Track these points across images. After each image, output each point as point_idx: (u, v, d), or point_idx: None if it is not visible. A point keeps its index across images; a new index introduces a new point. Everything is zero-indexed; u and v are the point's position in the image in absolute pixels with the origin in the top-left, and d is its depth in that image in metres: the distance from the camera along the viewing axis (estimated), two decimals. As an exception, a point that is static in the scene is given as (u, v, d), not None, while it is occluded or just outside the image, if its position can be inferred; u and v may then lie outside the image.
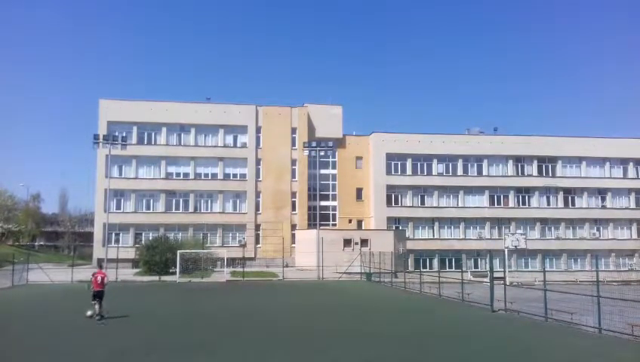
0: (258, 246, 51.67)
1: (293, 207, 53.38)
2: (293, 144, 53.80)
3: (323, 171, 54.52)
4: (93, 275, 17.69)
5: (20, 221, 76.86)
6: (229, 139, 53.84)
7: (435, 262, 41.08)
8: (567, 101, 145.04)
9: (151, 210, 51.46)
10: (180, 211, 51.91)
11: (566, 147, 58.25)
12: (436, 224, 55.86)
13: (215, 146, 53.24)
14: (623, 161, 59.57)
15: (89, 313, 16.96)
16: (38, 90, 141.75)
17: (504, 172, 57.82)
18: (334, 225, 54.71)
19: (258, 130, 53.68)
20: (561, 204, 58.03)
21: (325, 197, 55.06)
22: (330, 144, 46.01)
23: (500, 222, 56.70)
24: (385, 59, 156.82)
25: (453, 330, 15.44)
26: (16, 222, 74.89)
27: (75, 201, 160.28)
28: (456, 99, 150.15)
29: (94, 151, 44.45)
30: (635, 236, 58.32)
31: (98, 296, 16.96)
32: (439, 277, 25.65)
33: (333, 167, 56.13)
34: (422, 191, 56.35)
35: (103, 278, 17.24)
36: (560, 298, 18.36)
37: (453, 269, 39.29)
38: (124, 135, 46.73)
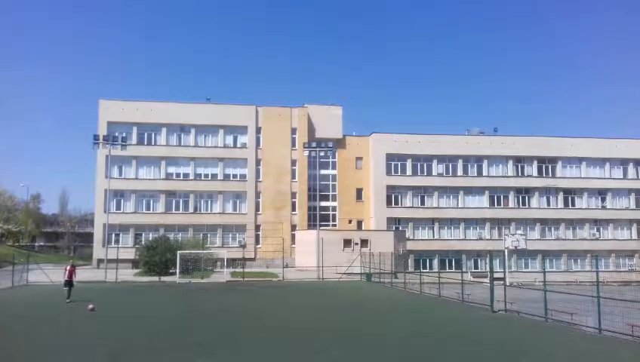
0: (258, 246, 51.67)
1: (293, 208, 53.38)
2: (293, 144, 53.82)
3: (323, 172, 54.51)
4: (65, 269, 22.59)
5: (20, 221, 76.92)
6: (229, 140, 53.86)
7: (435, 262, 41.03)
8: (567, 101, 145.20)
9: (151, 211, 51.46)
10: (180, 212, 51.92)
11: (566, 147, 58.26)
12: (436, 224, 55.86)
13: (215, 147, 53.25)
14: (623, 162, 59.57)
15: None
16: (38, 90, 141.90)
17: (504, 172, 57.82)
18: (334, 225, 54.71)
19: (258, 130, 53.69)
20: (561, 204, 58.03)
21: (325, 198, 55.07)
22: (330, 144, 45.96)
23: (500, 223, 56.71)
24: (385, 59, 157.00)
25: (454, 331, 15.43)
26: (16, 223, 74.94)
27: (75, 202, 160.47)
28: (456, 99, 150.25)
29: (94, 151, 44.34)
30: (635, 236, 58.30)
31: (68, 284, 22.03)
32: (439, 277, 25.62)
33: (333, 168, 56.14)
34: (422, 192, 56.35)
35: (71, 271, 22.28)
36: (560, 298, 18.34)
37: (453, 270, 39.17)
38: (124, 135, 46.84)
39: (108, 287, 31.17)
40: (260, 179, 53.17)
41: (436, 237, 55.48)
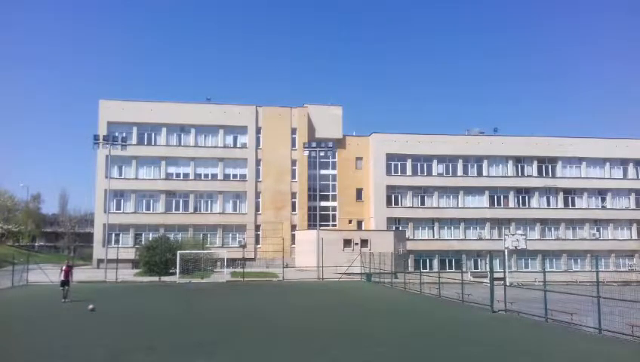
0: (258, 246, 51.65)
1: (293, 208, 53.38)
2: (293, 144, 53.82)
3: (323, 172, 54.43)
4: (62, 269, 23.55)
5: (20, 221, 76.87)
6: (229, 140, 53.86)
7: (435, 262, 41.09)
8: (567, 101, 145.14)
9: (151, 211, 51.47)
10: (180, 212, 51.92)
11: (566, 147, 58.23)
12: (436, 224, 55.85)
13: (215, 147, 53.25)
14: (623, 162, 59.56)
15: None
16: (39, 90, 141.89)
17: (504, 172, 57.81)
18: (334, 225, 54.69)
19: (258, 130, 53.70)
20: (561, 204, 58.03)
21: (325, 198, 55.05)
22: (330, 144, 45.96)
23: (499, 223, 56.69)
24: (385, 59, 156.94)
25: (454, 331, 15.43)
26: (16, 223, 74.89)
27: (75, 202, 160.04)
28: (456, 99, 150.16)
29: (94, 151, 44.37)
30: (635, 236, 58.29)
31: (65, 283, 22.76)
32: (439, 277, 25.63)
33: (333, 168, 56.13)
34: (422, 192, 56.34)
35: (67, 271, 23.06)
36: (560, 298, 18.35)
37: (453, 270, 39.27)
38: (124, 135, 46.84)
39: (108, 287, 31.19)
40: (260, 179, 53.18)
41: (436, 237, 55.48)
